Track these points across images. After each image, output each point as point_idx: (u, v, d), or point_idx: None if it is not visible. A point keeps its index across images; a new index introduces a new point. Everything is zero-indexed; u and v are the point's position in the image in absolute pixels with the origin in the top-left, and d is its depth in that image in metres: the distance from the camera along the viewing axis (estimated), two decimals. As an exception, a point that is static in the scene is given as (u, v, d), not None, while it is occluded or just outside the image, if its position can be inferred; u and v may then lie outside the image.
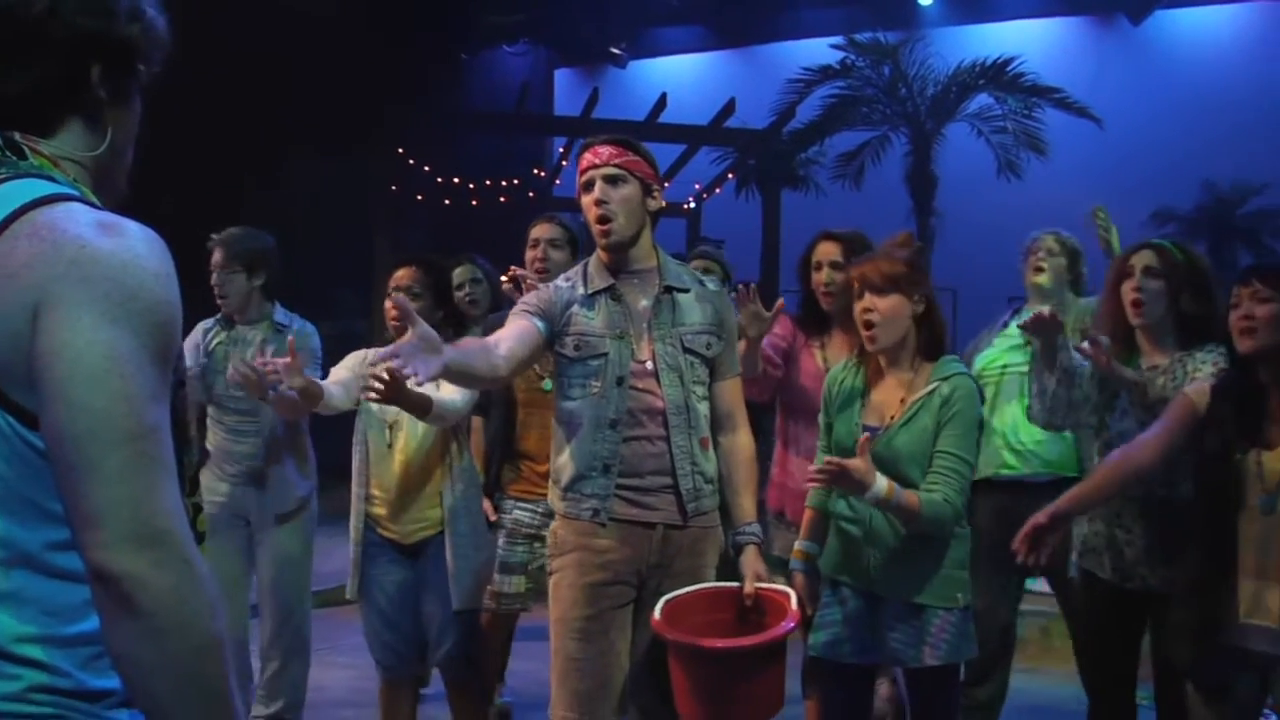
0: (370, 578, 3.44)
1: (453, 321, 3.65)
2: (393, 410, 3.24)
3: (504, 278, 3.83)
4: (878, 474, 2.61)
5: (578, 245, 3.74)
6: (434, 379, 2.39)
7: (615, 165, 2.69)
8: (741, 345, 3.24)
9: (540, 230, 3.69)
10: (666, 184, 14.55)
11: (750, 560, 2.75)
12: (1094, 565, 3.05)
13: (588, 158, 2.72)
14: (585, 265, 2.82)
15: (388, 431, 3.39)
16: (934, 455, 2.69)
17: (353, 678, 4.78)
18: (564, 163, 13.34)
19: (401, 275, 3.52)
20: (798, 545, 3.00)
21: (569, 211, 4.43)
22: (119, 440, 1.09)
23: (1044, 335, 3.00)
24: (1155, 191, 16.55)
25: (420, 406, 3.10)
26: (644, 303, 2.75)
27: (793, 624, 2.55)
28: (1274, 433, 2.52)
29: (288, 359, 3.05)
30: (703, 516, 2.76)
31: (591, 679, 2.63)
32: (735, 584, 2.72)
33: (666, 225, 13.80)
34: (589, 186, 2.70)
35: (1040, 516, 2.74)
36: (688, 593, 2.66)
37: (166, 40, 1.34)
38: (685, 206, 13.75)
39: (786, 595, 2.65)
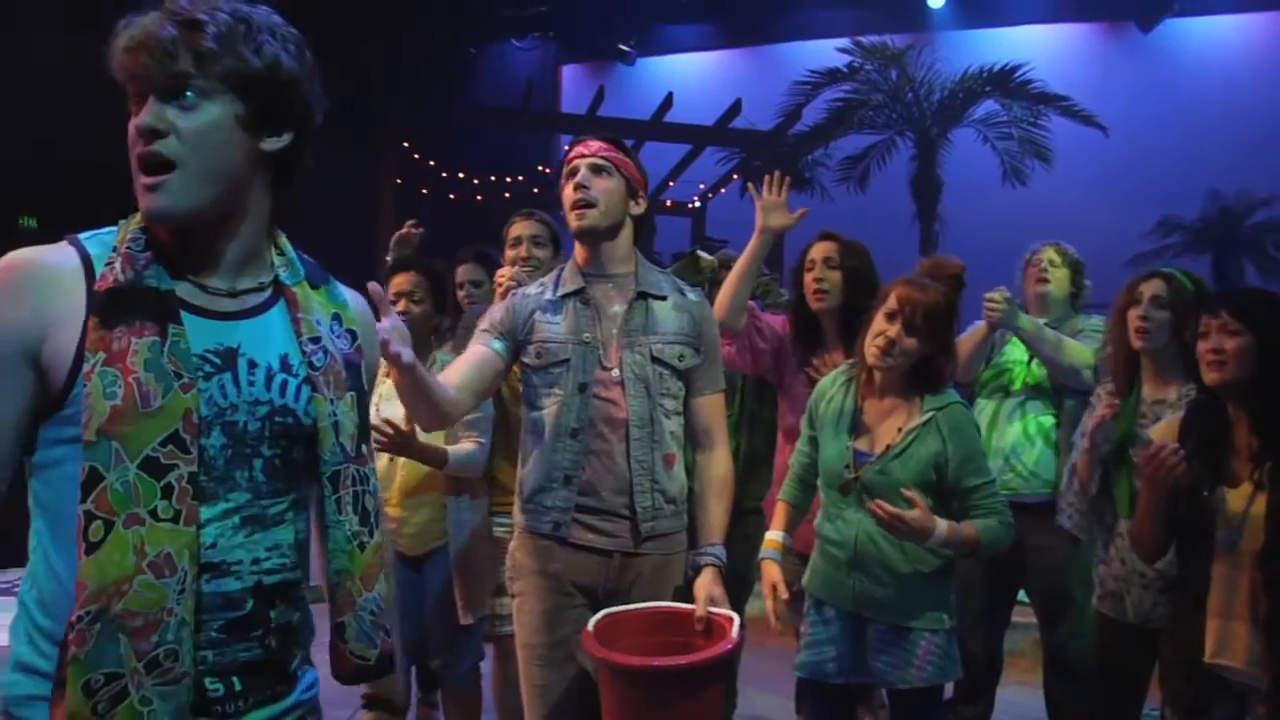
0: None
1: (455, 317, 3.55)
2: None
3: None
4: (936, 519, 2.54)
5: (559, 243, 3.50)
6: (407, 367, 2.18)
7: (603, 157, 2.59)
8: (753, 243, 3.22)
9: (521, 228, 3.44)
10: (672, 183, 14.50)
11: (705, 582, 2.53)
12: (1115, 610, 3.05)
13: (576, 149, 2.63)
14: (561, 269, 2.71)
15: None
16: (963, 492, 2.63)
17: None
18: (571, 159, 13.34)
19: (401, 280, 3.34)
20: (770, 535, 2.92)
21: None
22: None
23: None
24: (1161, 201, 16.52)
25: (435, 459, 3.02)
26: (616, 308, 2.60)
27: (727, 648, 2.33)
28: (1238, 468, 2.44)
29: None
30: (661, 540, 2.59)
31: (558, 704, 2.55)
32: (689, 606, 2.53)
33: (672, 224, 13.56)
34: (573, 174, 2.60)
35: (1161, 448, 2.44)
36: (636, 609, 2.50)
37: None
38: (690, 206, 13.75)
39: (731, 620, 2.45)
